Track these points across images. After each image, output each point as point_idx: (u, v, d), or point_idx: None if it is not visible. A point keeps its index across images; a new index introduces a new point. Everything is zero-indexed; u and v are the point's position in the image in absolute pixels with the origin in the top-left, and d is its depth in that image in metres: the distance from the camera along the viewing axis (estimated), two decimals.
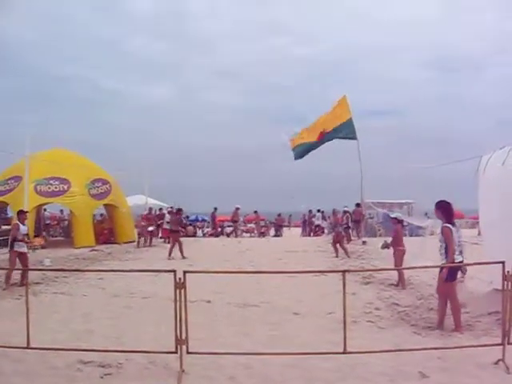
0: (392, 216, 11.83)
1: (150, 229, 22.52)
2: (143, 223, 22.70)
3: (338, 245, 17.35)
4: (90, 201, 22.22)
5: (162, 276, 10.31)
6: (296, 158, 26.55)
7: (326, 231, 28.54)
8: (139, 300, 9.49)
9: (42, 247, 19.36)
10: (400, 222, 11.35)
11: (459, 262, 7.09)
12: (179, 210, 18.87)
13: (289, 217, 40.45)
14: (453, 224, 7.13)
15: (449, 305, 7.15)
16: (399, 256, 10.70)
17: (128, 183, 26.78)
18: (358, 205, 24.55)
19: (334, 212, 19.51)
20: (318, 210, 30.44)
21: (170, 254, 17.14)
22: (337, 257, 16.87)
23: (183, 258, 16.90)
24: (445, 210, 7.22)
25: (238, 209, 30.13)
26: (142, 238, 22.17)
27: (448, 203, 7.33)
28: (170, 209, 28.19)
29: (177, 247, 17.40)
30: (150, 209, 23.91)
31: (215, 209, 30.50)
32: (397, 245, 10.88)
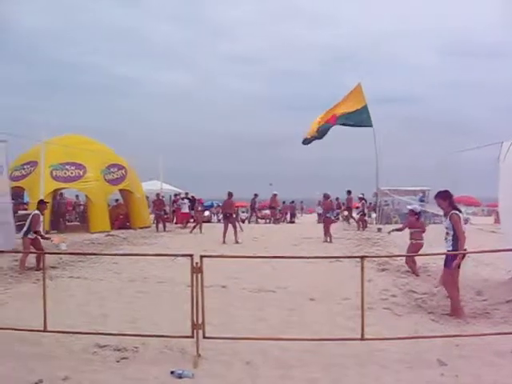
0: (409, 208, 11.63)
1: (157, 213, 23.32)
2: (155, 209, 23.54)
3: (328, 229, 17.83)
4: (105, 186, 22.29)
5: (178, 261, 10.36)
6: (304, 143, 26.92)
7: (340, 218, 28.35)
8: (155, 284, 9.50)
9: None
10: (417, 214, 11.05)
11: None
12: (230, 194, 18.27)
13: (301, 203, 41.58)
14: (459, 211, 7.13)
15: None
16: (415, 249, 10.43)
17: (143, 169, 26.92)
18: (349, 192, 25.44)
19: (325, 197, 19.38)
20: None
21: (224, 239, 17.15)
22: (327, 242, 17.36)
23: (236, 242, 17.12)
24: (451, 199, 7.18)
25: (275, 195, 30.29)
26: (161, 224, 22.65)
27: (451, 193, 7.27)
28: (184, 194, 28.36)
29: (231, 230, 17.47)
30: (158, 194, 24.08)
31: (256, 195, 30.90)
32: (416, 238, 10.61)
